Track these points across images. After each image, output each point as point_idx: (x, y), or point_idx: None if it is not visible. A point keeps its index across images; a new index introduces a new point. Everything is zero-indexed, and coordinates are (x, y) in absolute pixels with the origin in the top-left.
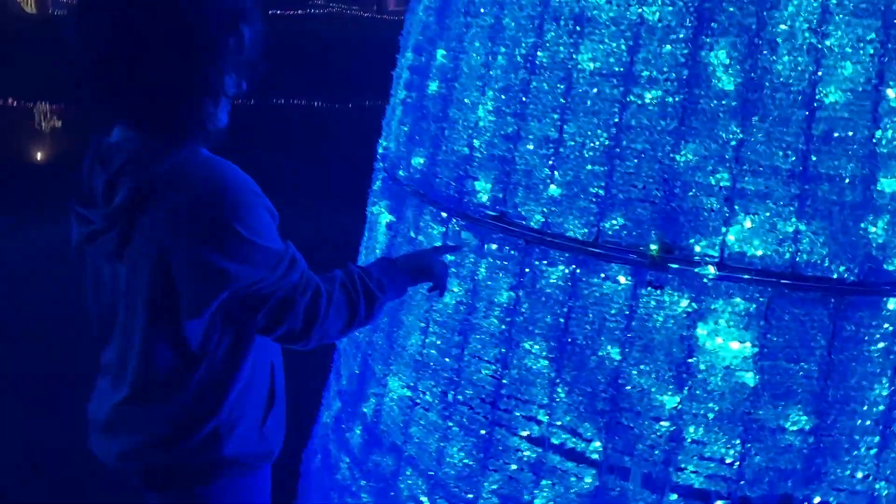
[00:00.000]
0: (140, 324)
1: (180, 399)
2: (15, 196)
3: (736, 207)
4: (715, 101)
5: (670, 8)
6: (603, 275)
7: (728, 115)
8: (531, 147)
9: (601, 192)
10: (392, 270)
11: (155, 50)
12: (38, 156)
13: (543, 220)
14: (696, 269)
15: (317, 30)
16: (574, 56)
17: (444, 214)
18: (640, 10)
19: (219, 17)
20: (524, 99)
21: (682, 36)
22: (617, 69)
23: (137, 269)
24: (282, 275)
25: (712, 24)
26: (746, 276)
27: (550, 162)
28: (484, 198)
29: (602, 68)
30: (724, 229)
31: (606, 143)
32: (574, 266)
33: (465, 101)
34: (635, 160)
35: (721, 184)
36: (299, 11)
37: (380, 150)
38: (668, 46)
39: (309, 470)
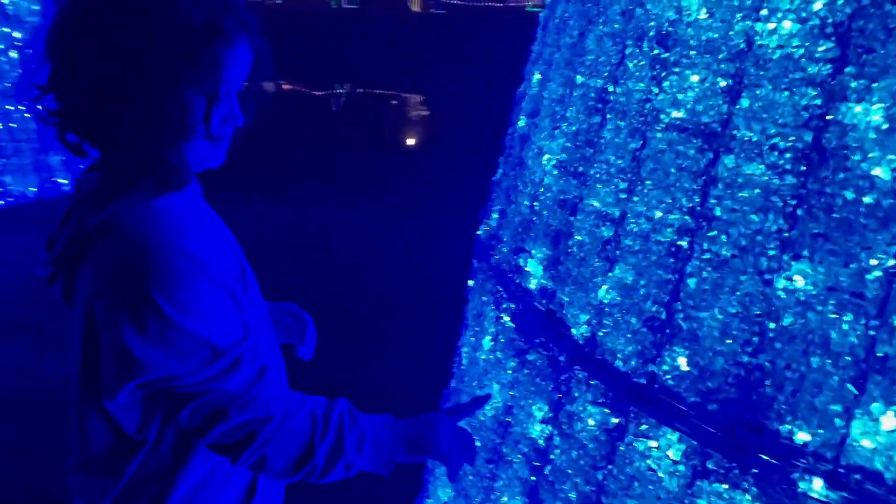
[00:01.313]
0: (75, 387)
1: (115, 485)
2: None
3: (871, 386)
4: (853, 194)
5: (797, 26)
6: (652, 440)
7: (877, 223)
8: (588, 224)
9: (663, 312)
10: (384, 434)
11: (85, 65)
12: (409, 141)
13: (590, 333)
14: (793, 475)
15: None
16: (653, 97)
17: (500, 291)
18: (748, 28)
19: (174, 33)
20: (591, 153)
21: (811, 73)
22: (706, 122)
23: (76, 324)
24: (215, 376)
25: (864, 55)
26: None
27: (606, 251)
28: (533, 283)
29: (686, 120)
30: (840, 421)
31: (678, 240)
32: (617, 415)
33: (536, 145)
34: (718, 274)
35: (849, 339)
36: None
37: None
38: (787, 91)
39: None
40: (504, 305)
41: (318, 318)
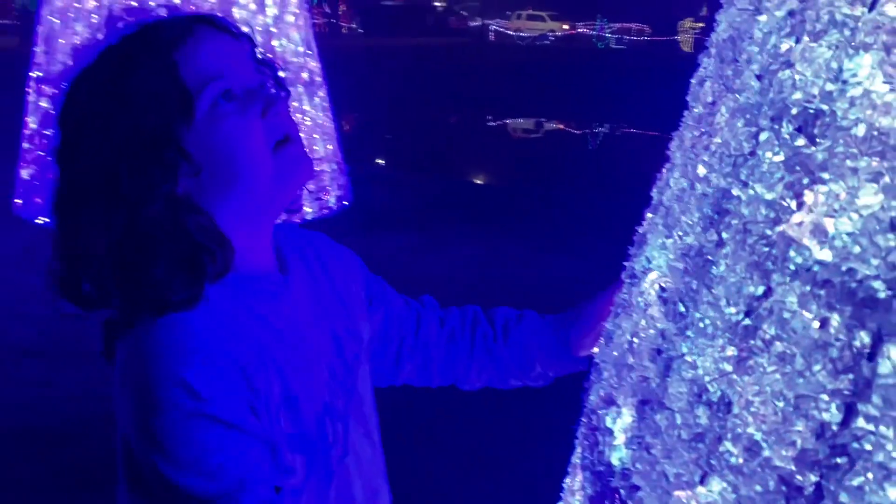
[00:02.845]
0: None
1: None
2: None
3: None
4: None
5: None
6: None
7: None
8: (684, 397)
9: None
10: None
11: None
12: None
13: None
14: None
15: None
16: (785, 217)
17: (587, 446)
18: None
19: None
20: (696, 286)
21: None
22: (865, 278)
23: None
24: None
25: None
26: None
27: (698, 450)
28: (616, 458)
29: (833, 267)
30: None
31: (806, 469)
32: None
33: (646, 254)
34: None
35: None
36: None
37: None
38: None
39: None
40: (586, 473)
41: None
